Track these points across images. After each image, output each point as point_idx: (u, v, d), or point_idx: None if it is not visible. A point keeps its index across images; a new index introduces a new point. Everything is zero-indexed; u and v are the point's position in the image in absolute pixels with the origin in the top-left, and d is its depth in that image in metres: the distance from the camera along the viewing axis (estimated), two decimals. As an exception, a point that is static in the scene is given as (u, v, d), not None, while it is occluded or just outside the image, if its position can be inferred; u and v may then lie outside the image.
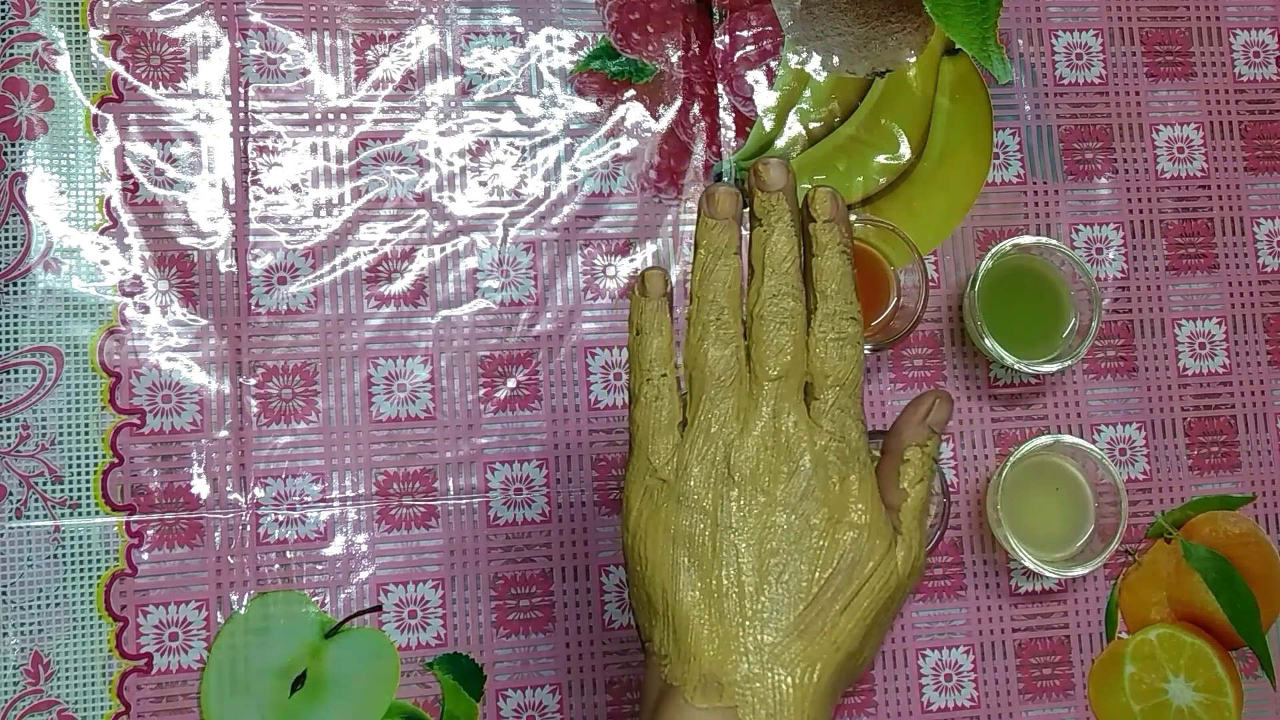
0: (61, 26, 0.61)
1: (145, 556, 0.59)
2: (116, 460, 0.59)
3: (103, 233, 0.60)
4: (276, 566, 0.60)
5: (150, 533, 0.59)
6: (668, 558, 0.40)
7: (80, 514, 0.59)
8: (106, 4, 0.62)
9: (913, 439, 0.43)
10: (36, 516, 0.58)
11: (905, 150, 0.66)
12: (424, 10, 0.64)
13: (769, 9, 0.67)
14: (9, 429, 0.59)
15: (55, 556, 0.58)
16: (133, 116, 0.62)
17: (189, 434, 0.60)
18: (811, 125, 0.66)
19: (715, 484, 0.40)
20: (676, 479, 0.41)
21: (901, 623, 0.64)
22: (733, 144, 0.66)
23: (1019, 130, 0.68)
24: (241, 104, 0.62)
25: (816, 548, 0.40)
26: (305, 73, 0.63)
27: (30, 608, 0.58)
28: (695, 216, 0.42)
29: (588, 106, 0.65)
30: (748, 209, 0.42)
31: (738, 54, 0.66)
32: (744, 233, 0.42)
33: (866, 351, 0.62)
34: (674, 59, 0.66)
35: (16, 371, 0.59)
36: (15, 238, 0.60)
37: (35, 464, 0.59)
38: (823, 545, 0.40)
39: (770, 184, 0.41)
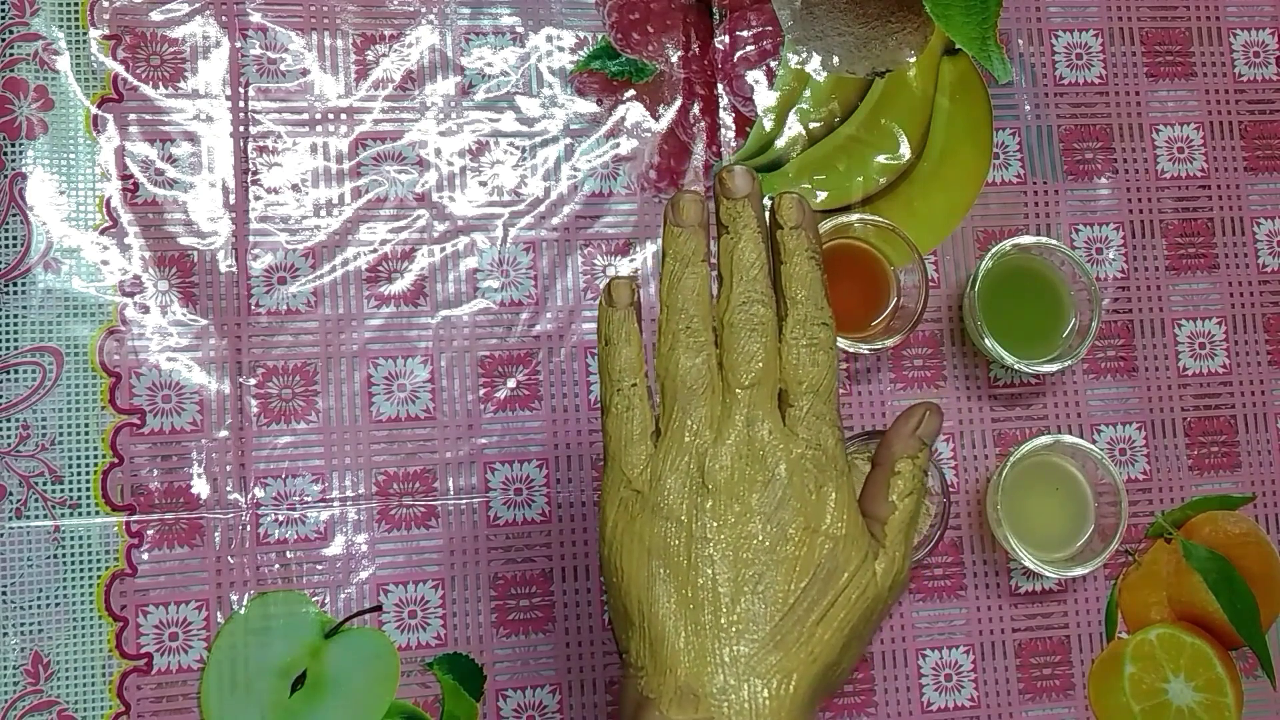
0: (61, 26, 0.61)
1: (145, 556, 0.59)
2: (116, 460, 0.59)
3: (103, 233, 0.60)
4: (276, 566, 0.60)
5: (150, 533, 0.59)
6: (643, 569, 0.39)
7: (80, 514, 0.58)
8: (106, 4, 0.62)
9: (904, 451, 0.43)
10: (36, 516, 0.58)
11: (905, 150, 0.66)
12: (424, 10, 0.64)
13: (769, 9, 0.66)
14: (9, 429, 0.59)
15: (55, 556, 0.58)
16: (133, 116, 0.61)
17: (189, 434, 0.60)
18: (811, 125, 0.66)
19: (690, 494, 0.40)
20: (651, 490, 0.40)
21: (901, 623, 0.64)
22: (733, 144, 0.65)
23: (1019, 130, 0.67)
24: (241, 104, 0.62)
25: (793, 557, 0.39)
26: (305, 73, 0.63)
27: (30, 608, 0.58)
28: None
29: (588, 106, 0.65)
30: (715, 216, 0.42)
31: (738, 54, 0.66)
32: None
33: (867, 351, 0.62)
34: (674, 59, 0.66)
35: (16, 371, 0.59)
36: (15, 238, 0.60)
37: (35, 464, 0.59)
38: (799, 555, 0.39)
39: (735, 191, 0.41)
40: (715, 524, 0.39)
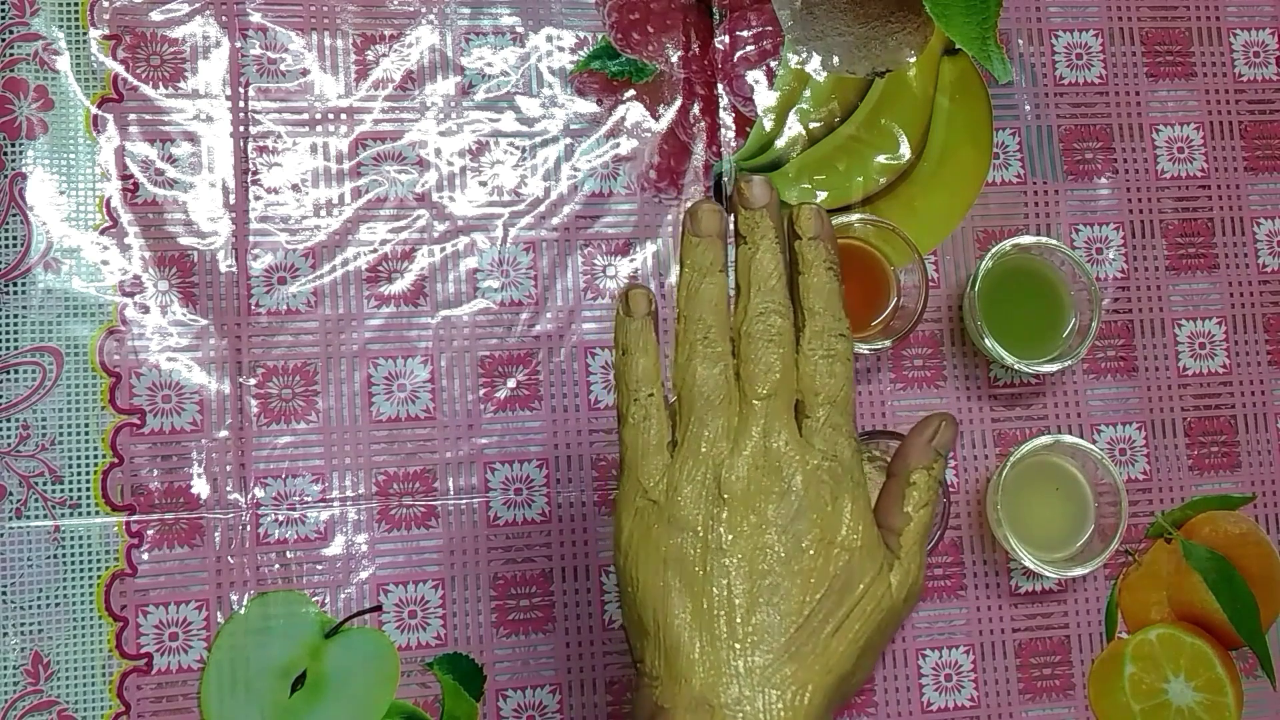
0: (61, 26, 0.61)
1: (145, 556, 0.59)
2: (116, 460, 0.59)
3: (103, 233, 0.60)
4: (276, 566, 0.60)
5: (150, 533, 0.59)
6: (658, 579, 0.39)
7: (80, 514, 0.58)
8: (106, 4, 0.61)
9: (919, 461, 0.42)
10: (36, 516, 0.58)
11: (905, 150, 0.66)
12: (424, 10, 0.64)
13: (769, 9, 0.66)
14: (9, 429, 0.58)
15: (55, 556, 0.58)
16: (133, 116, 0.61)
17: (189, 434, 0.60)
18: (811, 125, 0.66)
19: (706, 505, 0.39)
20: (667, 500, 0.40)
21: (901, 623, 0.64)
22: (733, 144, 0.65)
23: (1019, 130, 0.67)
24: (241, 104, 0.62)
25: (808, 569, 0.39)
26: (305, 73, 0.63)
27: (30, 608, 0.58)
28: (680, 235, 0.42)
29: (588, 106, 0.65)
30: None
31: (738, 54, 0.66)
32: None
33: (867, 351, 0.61)
34: (674, 59, 0.66)
35: (16, 371, 0.59)
36: (15, 238, 0.59)
37: (35, 464, 0.58)
38: (815, 566, 0.39)
39: (753, 202, 0.41)
40: (731, 535, 0.39)
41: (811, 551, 0.39)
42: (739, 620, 0.38)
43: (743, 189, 0.41)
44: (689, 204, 0.41)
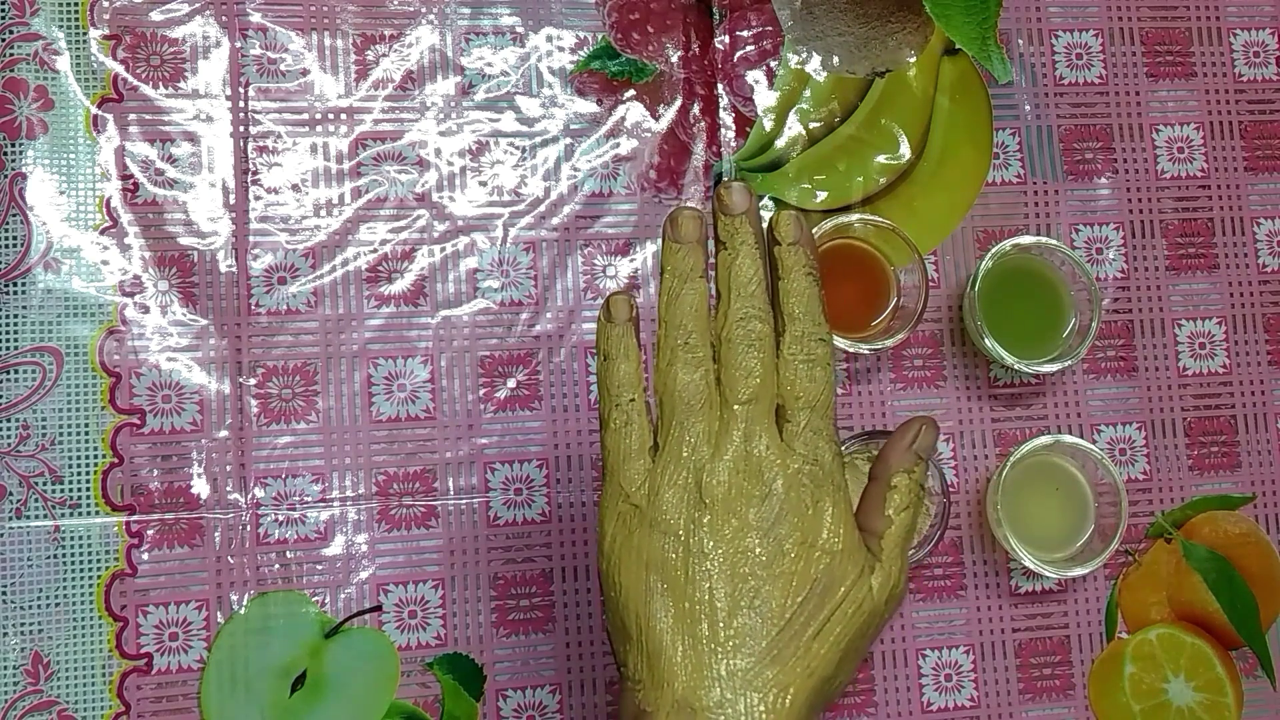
0: (61, 26, 0.61)
1: (145, 556, 0.59)
2: (116, 460, 0.59)
3: (103, 233, 0.60)
4: (276, 566, 0.60)
5: (150, 533, 0.59)
6: (641, 583, 0.39)
7: (80, 514, 0.58)
8: (106, 4, 0.61)
9: (900, 465, 0.43)
10: (36, 516, 0.58)
11: (905, 150, 0.66)
12: (424, 10, 0.64)
13: (769, 9, 0.66)
14: (9, 429, 0.58)
15: (55, 556, 0.58)
16: (133, 116, 0.61)
17: (189, 434, 0.60)
18: (811, 125, 0.66)
19: (687, 509, 0.39)
20: (649, 504, 0.40)
21: (901, 623, 0.64)
22: (733, 144, 0.65)
23: (1019, 130, 0.67)
24: (241, 104, 0.62)
25: (790, 572, 0.39)
26: (305, 73, 0.63)
27: (30, 608, 0.58)
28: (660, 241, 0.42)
29: (588, 106, 0.65)
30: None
31: (738, 54, 0.66)
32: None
33: (867, 351, 0.61)
34: (674, 59, 0.65)
35: (16, 371, 0.59)
36: (15, 238, 0.59)
37: (35, 464, 0.58)
38: (796, 570, 0.39)
39: (733, 208, 0.41)
40: (712, 539, 0.39)
41: (793, 555, 0.39)
42: (721, 624, 0.38)
43: (722, 195, 0.41)
44: (671, 209, 0.41)
